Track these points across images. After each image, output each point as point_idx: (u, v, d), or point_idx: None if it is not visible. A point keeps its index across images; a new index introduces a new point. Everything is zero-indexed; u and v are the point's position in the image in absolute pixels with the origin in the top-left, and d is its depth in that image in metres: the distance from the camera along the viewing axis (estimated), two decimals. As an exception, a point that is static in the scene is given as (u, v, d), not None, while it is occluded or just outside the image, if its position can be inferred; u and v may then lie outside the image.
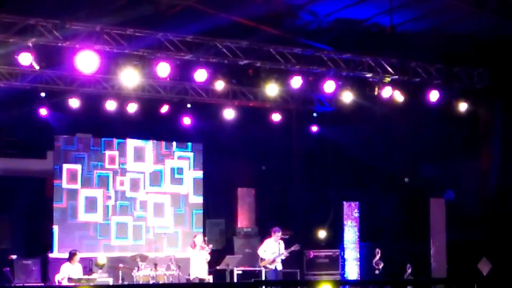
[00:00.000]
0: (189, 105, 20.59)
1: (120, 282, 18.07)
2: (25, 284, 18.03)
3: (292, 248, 18.13)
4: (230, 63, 17.39)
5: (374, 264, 20.17)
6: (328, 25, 17.99)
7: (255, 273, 18.48)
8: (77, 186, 20.19)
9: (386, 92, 18.33)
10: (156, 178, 21.11)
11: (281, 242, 18.23)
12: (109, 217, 20.44)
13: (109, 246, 20.32)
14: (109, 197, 20.51)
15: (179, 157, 21.44)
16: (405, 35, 17.62)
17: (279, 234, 18.21)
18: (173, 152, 21.36)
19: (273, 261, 18.05)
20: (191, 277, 18.03)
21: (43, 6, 15.50)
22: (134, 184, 20.86)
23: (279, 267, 18.17)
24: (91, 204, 20.32)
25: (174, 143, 21.40)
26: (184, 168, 21.43)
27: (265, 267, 18.13)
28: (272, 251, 18.11)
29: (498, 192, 18.99)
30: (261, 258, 18.21)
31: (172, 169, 21.31)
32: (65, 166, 20.06)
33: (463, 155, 19.46)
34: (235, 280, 18.60)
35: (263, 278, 18.18)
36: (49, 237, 19.79)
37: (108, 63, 16.55)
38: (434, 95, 18.49)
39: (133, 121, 20.22)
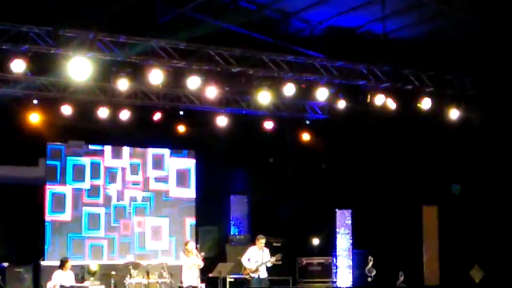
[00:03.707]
0: (181, 112, 20.59)
1: (112, 289, 18.05)
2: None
3: (274, 258, 17.86)
4: (223, 71, 17.39)
5: (366, 272, 20.19)
6: (321, 32, 18.02)
7: (247, 281, 18.42)
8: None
9: (379, 99, 18.34)
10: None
11: (265, 249, 17.98)
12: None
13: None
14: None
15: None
16: (397, 42, 17.66)
17: (263, 241, 17.95)
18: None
19: (256, 270, 17.84)
20: (184, 285, 17.96)
21: (35, 13, 15.50)
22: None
23: (263, 275, 17.90)
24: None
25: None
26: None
27: (248, 275, 17.92)
28: (256, 259, 17.89)
29: (491, 199, 19.00)
30: (244, 267, 18.00)
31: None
32: (58, 173, 20.11)
33: (456, 162, 19.47)
34: (228, 288, 18.60)
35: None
36: (41, 244, 19.74)
37: (101, 70, 16.54)
38: (426, 102, 18.51)
39: (125, 129, 20.20)
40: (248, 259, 17.92)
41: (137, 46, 16.21)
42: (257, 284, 17.81)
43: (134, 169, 21.06)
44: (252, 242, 20.20)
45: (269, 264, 17.88)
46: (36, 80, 18.19)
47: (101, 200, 20.61)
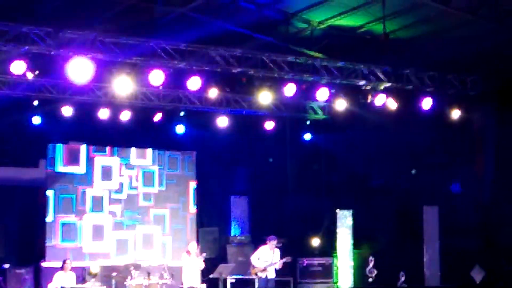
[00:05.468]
0: (182, 113, 20.60)
1: (113, 290, 18.04)
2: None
3: (284, 260, 17.91)
4: (223, 71, 17.38)
5: (367, 272, 20.17)
6: (321, 33, 18.00)
7: (248, 282, 18.40)
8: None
9: (379, 99, 18.34)
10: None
11: (276, 250, 17.99)
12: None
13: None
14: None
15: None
16: (398, 42, 17.64)
17: (275, 242, 17.99)
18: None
19: (264, 269, 17.83)
20: (185, 286, 17.97)
21: (36, 14, 15.49)
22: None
23: (271, 275, 17.90)
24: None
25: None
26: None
27: (255, 274, 17.93)
28: (265, 259, 17.92)
29: (492, 199, 19.01)
30: (253, 266, 18.02)
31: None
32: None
33: (457, 162, 19.48)
34: (229, 289, 18.59)
35: (256, 286, 18.07)
36: (41, 245, 19.72)
37: (101, 71, 16.52)
38: (427, 102, 18.51)
39: (126, 130, 20.19)
40: (258, 258, 17.92)
41: (138, 47, 16.19)
42: (264, 284, 17.82)
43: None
44: (253, 243, 20.27)
45: (277, 266, 17.88)
46: (37, 81, 18.17)
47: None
